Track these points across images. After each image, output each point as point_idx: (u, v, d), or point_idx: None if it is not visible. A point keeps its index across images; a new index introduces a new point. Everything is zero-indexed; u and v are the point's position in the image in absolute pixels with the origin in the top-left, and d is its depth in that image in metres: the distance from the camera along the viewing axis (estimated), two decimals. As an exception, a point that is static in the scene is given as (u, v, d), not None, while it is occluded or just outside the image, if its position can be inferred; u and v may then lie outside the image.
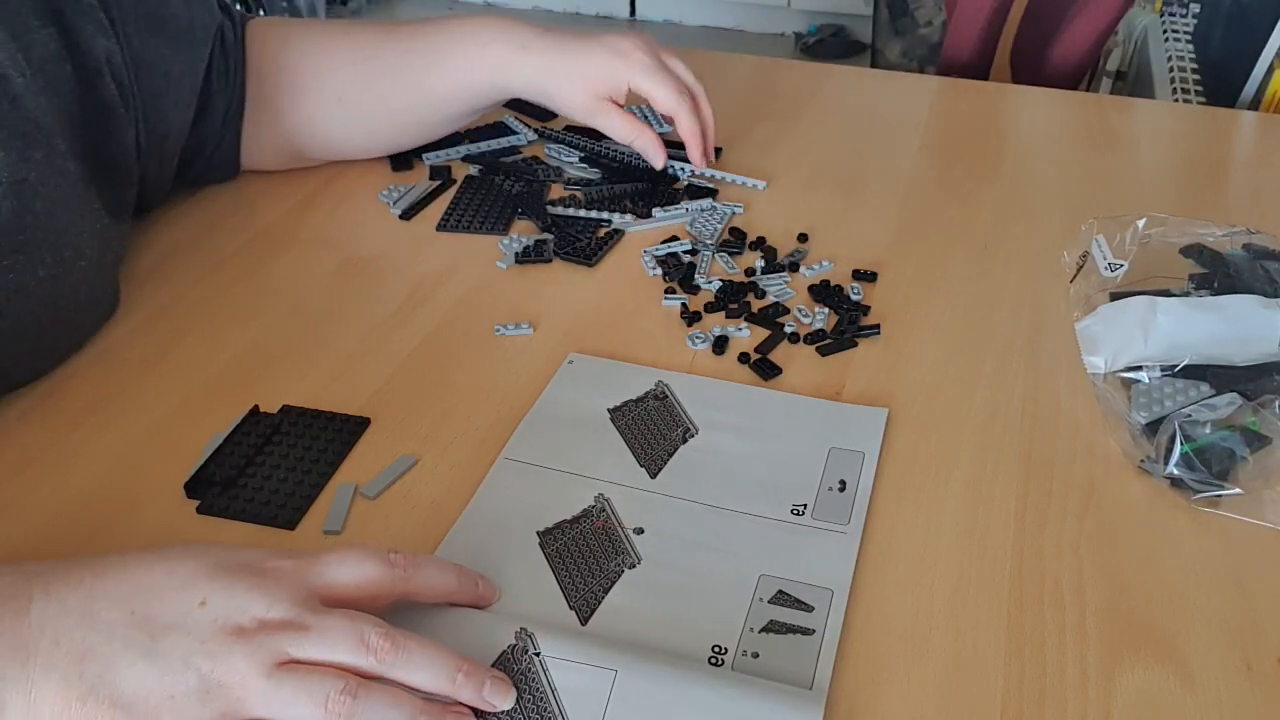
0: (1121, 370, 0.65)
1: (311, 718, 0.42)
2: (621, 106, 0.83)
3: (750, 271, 0.77)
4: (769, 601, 0.52)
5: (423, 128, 0.87)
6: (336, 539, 0.55)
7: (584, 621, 0.51)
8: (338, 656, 0.43)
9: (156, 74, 0.72)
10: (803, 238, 0.81)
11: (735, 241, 0.80)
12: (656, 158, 0.85)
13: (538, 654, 0.47)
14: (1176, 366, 0.63)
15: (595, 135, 0.92)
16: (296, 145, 0.85)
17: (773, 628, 0.51)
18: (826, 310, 0.73)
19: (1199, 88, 1.23)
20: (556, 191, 0.87)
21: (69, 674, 0.42)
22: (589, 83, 0.82)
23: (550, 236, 0.81)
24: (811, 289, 0.75)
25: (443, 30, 0.82)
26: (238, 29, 0.81)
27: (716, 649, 0.50)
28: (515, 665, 0.47)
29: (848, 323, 0.72)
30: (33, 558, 0.46)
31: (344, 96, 0.83)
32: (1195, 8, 1.28)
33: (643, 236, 0.82)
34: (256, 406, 0.63)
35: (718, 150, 0.93)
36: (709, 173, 0.89)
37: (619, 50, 0.82)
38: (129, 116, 0.70)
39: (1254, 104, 1.15)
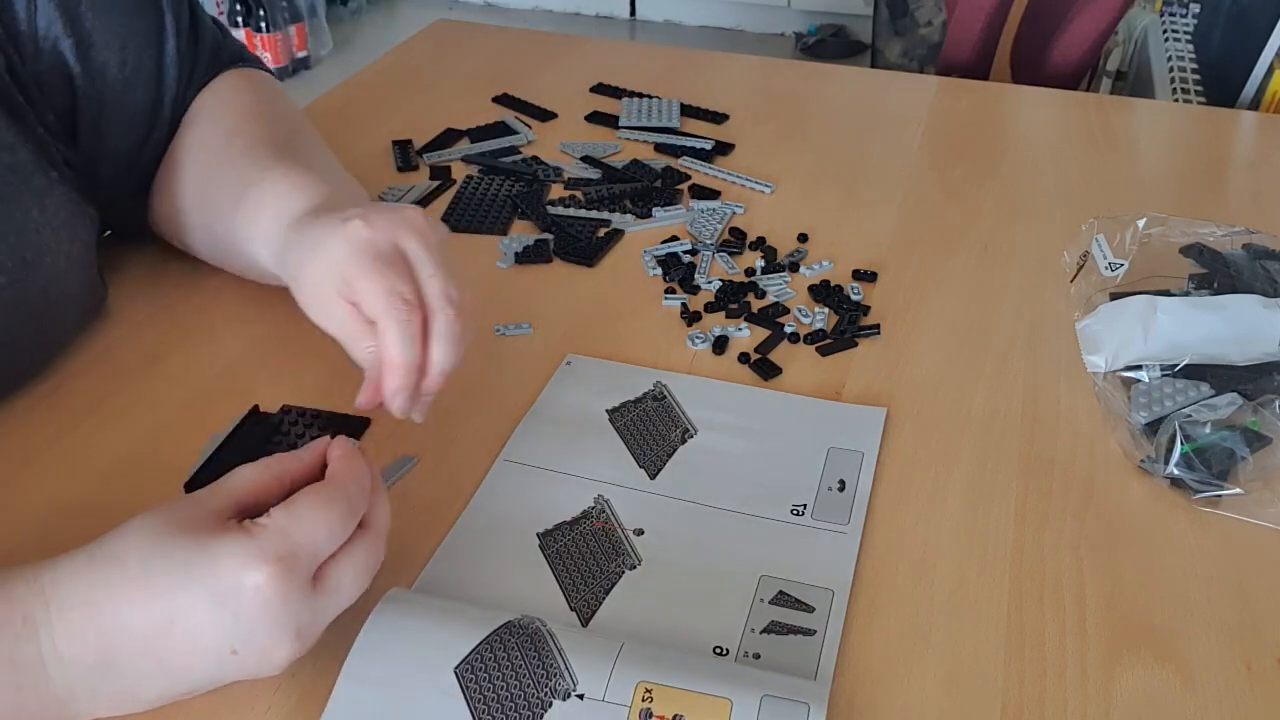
0: (1122, 369, 0.65)
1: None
2: (363, 316, 0.55)
3: (750, 271, 0.77)
4: (770, 602, 0.52)
5: (243, 269, 0.70)
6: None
7: (585, 623, 0.51)
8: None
9: (110, 48, 0.65)
10: (803, 238, 0.81)
11: (735, 241, 0.80)
12: (365, 395, 0.56)
13: (543, 622, 0.48)
14: (1176, 366, 0.63)
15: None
16: (159, 223, 0.74)
17: (774, 628, 0.51)
18: (826, 310, 0.73)
19: (1199, 88, 1.23)
20: (556, 191, 0.87)
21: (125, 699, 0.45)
22: (319, 281, 0.57)
23: (550, 236, 0.81)
24: (811, 289, 0.75)
25: (258, 183, 0.64)
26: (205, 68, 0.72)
27: (718, 650, 0.50)
28: (522, 628, 0.47)
29: (848, 323, 0.72)
30: (33, 558, 0.46)
31: (188, 208, 0.70)
32: (1195, 8, 1.28)
33: (643, 236, 0.82)
34: (256, 406, 0.63)
35: (727, 147, 0.93)
36: (715, 171, 0.89)
37: (346, 218, 0.56)
38: (82, 88, 0.65)
39: (1254, 104, 1.15)
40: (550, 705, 0.45)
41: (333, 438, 0.50)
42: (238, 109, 0.72)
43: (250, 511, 0.46)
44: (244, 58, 0.77)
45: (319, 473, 0.49)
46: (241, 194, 0.64)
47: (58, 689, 0.43)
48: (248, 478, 0.47)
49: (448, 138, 0.95)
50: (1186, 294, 0.69)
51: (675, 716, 0.44)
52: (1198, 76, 1.24)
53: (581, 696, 0.45)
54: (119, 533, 0.45)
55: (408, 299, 0.53)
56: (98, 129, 0.67)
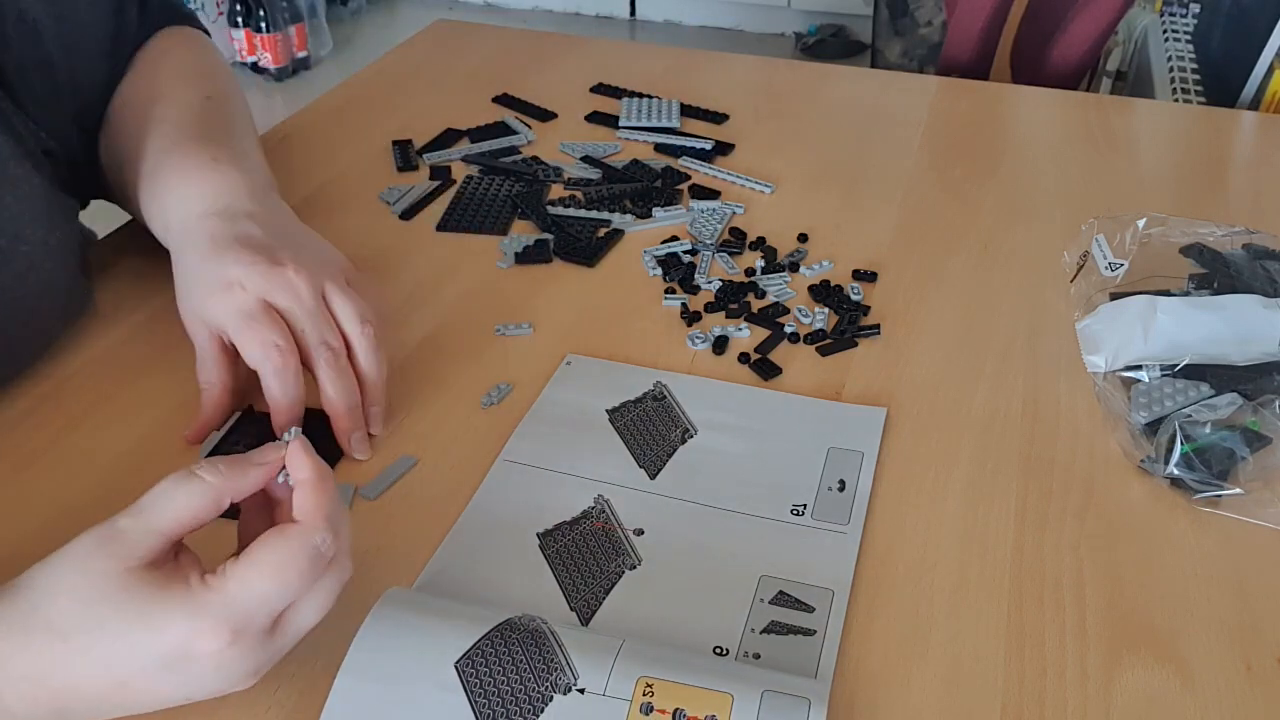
0: (1122, 369, 0.65)
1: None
2: (231, 351, 0.60)
3: (750, 271, 0.77)
4: (770, 602, 0.52)
5: None
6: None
7: (585, 622, 0.51)
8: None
9: (69, 22, 0.67)
10: (803, 238, 0.81)
11: (735, 241, 0.80)
12: (192, 430, 0.61)
13: (544, 620, 0.48)
14: (1177, 366, 0.63)
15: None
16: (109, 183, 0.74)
17: (774, 629, 0.51)
18: (826, 310, 0.73)
19: (1199, 88, 1.23)
20: (556, 191, 0.87)
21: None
22: (197, 309, 0.60)
23: (550, 236, 0.81)
24: (811, 289, 0.75)
25: (165, 165, 0.66)
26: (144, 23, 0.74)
27: (718, 650, 0.50)
28: (523, 625, 0.47)
29: (848, 323, 0.72)
30: (33, 558, 0.46)
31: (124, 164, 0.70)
32: (1195, 8, 1.28)
33: (643, 236, 0.82)
34: (251, 406, 0.63)
35: (727, 147, 0.93)
36: (715, 171, 0.89)
37: (228, 281, 0.59)
38: (48, 70, 0.66)
39: (1254, 104, 1.15)
40: (551, 699, 0.45)
41: (286, 435, 0.47)
42: (169, 72, 0.73)
43: (185, 535, 0.44)
44: (183, 14, 0.78)
45: (262, 492, 0.47)
46: (153, 170, 0.66)
47: None
48: (179, 507, 0.43)
49: (448, 138, 0.95)
50: (1186, 294, 0.69)
51: (676, 711, 0.44)
52: (1198, 76, 1.24)
53: (582, 691, 0.45)
54: (49, 594, 0.42)
55: (279, 344, 0.57)
56: (73, 96, 0.68)
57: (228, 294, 0.58)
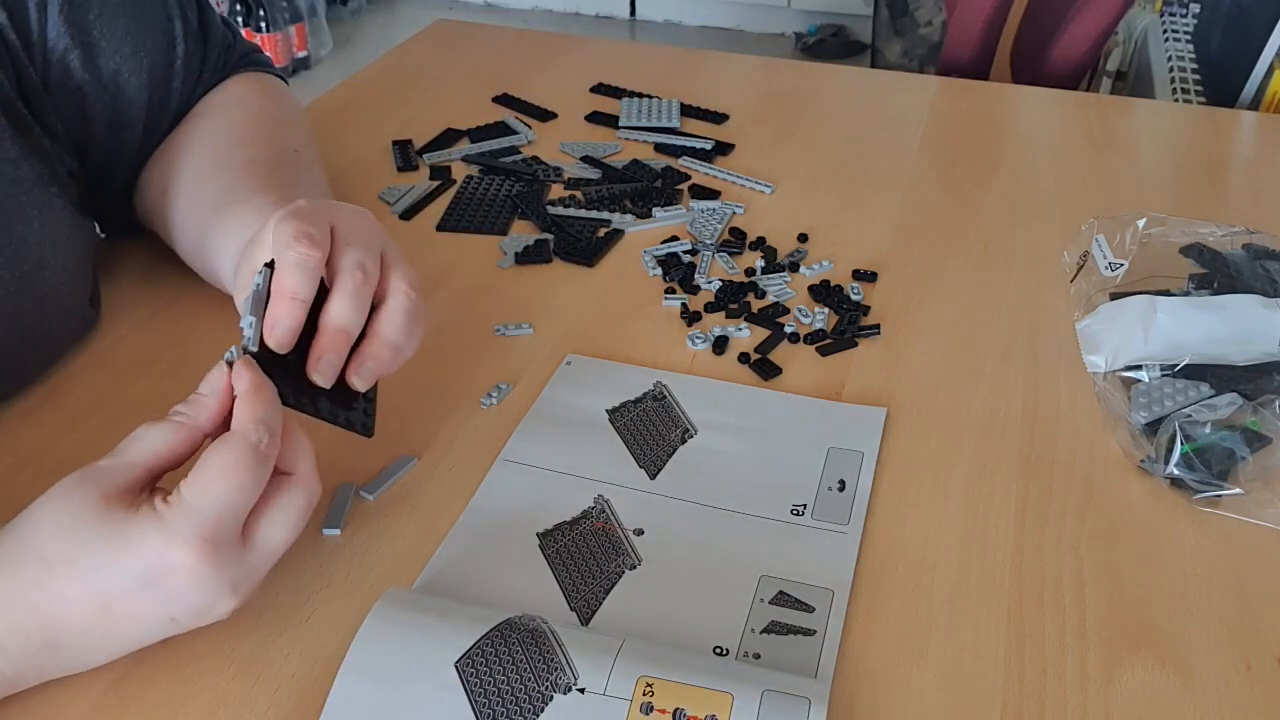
0: (1122, 369, 0.65)
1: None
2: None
3: (750, 271, 0.77)
4: (770, 602, 0.52)
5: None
6: (337, 537, 0.55)
7: (585, 622, 0.51)
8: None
9: (117, 52, 0.66)
10: (803, 238, 0.81)
11: (735, 241, 0.80)
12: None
13: (544, 620, 0.48)
14: (1177, 366, 0.63)
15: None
16: (143, 206, 0.73)
17: (774, 629, 0.51)
18: (826, 310, 0.73)
19: (1199, 88, 1.23)
20: (556, 191, 0.87)
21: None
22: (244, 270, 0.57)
23: (550, 236, 0.81)
24: (811, 289, 0.75)
25: (240, 205, 0.64)
26: (225, 59, 0.74)
27: (718, 650, 0.50)
28: (523, 625, 0.47)
29: (848, 323, 0.72)
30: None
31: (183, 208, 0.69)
32: (1195, 8, 1.28)
33: (643, 236, 0.82)
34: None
35: (727, 147, 0.93)
36: (715, 171, 0.89)
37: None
38: (82, 98, 0.65)
39: (1254, 104, 1.15)
40: (551, 699, 0.45)
41: (227, 359, 0.48)
42: (242, 117, 0.72)
43: (165, 472, 0.46)
44: (254, 60, 0.77)
45: (229, 409, 0.48)
46: (223, 211, 0.64)
47: (5, 674, 0.44)
48: (154, 442, 0.46)
49: (448, 138, 0.95)
50: (1186, 294, 0.69)
51: (676, 710, 0.44)
52: (1198, 76, 1.24)
53: (583, 690, 0.45)
54: (34, 526, 0.45)
55: (312, 234, 0.50)
56: (108, 133, 0.67)
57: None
